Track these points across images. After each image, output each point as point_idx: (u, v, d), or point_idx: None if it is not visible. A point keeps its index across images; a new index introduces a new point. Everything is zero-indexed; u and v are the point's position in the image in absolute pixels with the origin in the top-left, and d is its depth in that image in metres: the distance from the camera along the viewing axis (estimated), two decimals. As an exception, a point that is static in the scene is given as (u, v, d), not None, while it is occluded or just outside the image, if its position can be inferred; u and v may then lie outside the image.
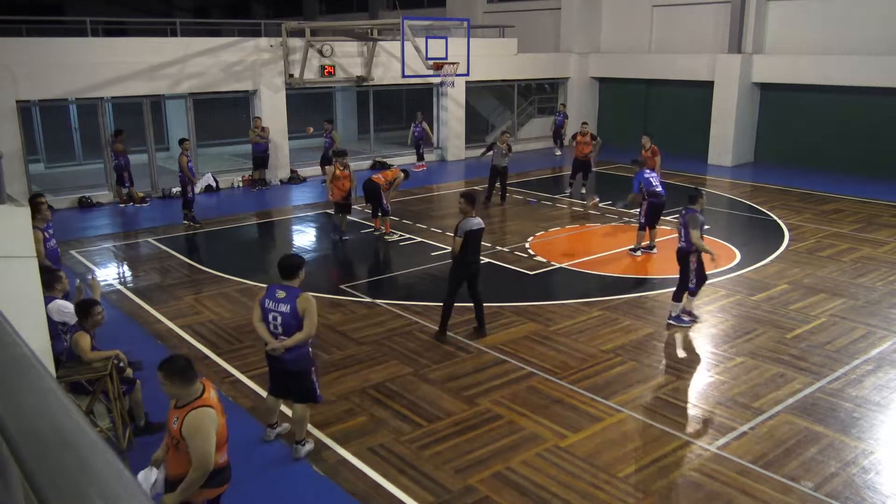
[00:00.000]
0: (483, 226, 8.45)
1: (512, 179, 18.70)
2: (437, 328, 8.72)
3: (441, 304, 8.66)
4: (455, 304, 8.65)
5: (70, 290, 7.53)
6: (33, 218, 7.93)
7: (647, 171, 12.04)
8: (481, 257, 8.76)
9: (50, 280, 6.66)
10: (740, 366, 7.88)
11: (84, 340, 6.23)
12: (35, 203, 8.43)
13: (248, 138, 17.69)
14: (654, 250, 11.89)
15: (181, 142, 14.37)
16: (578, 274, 11.22)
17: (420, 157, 20.67)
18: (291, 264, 5.93)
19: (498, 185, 15.87)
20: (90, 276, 7.48)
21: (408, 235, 13.32)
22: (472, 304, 8.72)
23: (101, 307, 6.57)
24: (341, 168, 12.80)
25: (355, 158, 21.13)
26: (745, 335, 8.72)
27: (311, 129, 19.32)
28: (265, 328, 5.93)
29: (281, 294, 5.84)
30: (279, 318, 5.82)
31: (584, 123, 17.00)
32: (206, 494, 4.39)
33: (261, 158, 17.71)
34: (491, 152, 15.72)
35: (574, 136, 17.07)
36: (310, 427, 6.61)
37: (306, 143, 23.13)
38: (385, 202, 13.17)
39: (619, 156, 20.32)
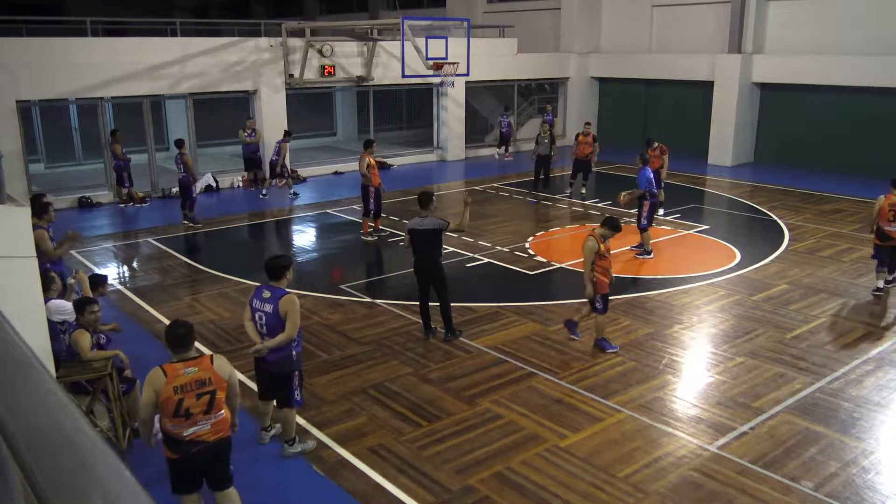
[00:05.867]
0: (431, 226, 8.30)
1: (511, 179, 18.74)
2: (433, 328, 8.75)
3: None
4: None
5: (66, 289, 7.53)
6: (39, 218, 7.96)
7: (650, 169, 12.01)
8: (440, 259, 8.54)
9: (43, 282, 6.65)
10: (740, 366, 7.88)
11: (84, 338, 6.22)
12: (42, 204, 8.49)
13: (238, 139, 17.61)
14: (652, 255, 11.80)
15: (179, 143, 14.35)
16: (579, 274, 11.17)
17: (506, 148, 22.27)
18: (277, 265, 5.95)
19: (542, 174, 17.34)
20: (74, 272, 7.48)
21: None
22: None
23: (98, 306, 6.55)
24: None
25: (355, 158, 21.15)
26: (745, 335, 8.72)
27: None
28: (253, 327, 5.98)
29: (266, 294, 5.87)
30: (264, 318, 5.87)
31: (587, 124, 17.01)
32: (167, 453, 4.83)
33: (251, 160, 17.62)
34: (538, 144, 17.18)
35: (576, 137, 17.07)
36: (310, 427, 6.62)
37: (306, 144, 23.14)
38: (372, 202, 13.00)
39: (620, 156, 20.32)
